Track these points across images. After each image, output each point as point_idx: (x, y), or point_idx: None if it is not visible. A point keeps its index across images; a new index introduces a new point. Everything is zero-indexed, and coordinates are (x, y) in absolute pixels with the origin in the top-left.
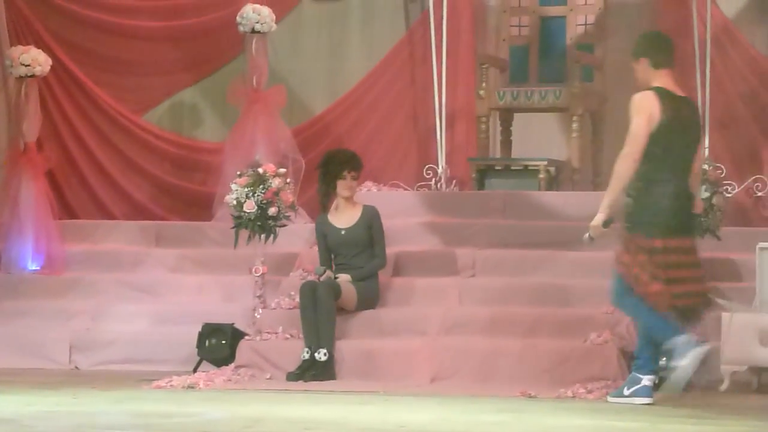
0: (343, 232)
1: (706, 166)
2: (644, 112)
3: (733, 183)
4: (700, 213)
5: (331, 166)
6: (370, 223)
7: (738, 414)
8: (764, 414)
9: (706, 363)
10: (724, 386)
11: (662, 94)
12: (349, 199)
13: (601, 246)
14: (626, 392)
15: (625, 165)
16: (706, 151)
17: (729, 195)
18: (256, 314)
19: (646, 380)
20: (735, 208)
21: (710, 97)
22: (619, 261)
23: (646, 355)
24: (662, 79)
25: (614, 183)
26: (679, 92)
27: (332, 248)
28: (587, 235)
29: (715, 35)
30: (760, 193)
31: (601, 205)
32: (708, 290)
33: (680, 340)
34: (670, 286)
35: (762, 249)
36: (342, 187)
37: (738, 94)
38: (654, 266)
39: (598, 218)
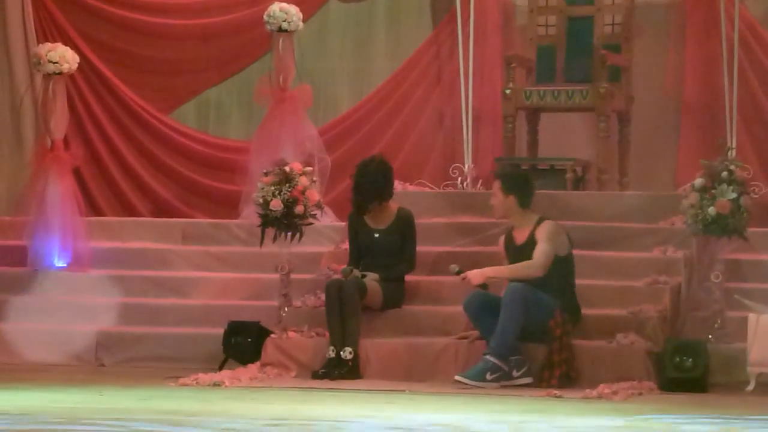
0: (376, 235)
1: (733, 167)
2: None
3: (760, 184)
4: (727, 213)
5: (358, 199)
6: (404, 227)
7: (764, 415)
8: None
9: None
10: (750, 387)
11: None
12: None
13: (629, 247)
14: (515, 374)
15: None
16: (733, 152)
17: (756, 196)
18: (281, 312)
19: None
20: (762, 209)
21: (738, 97)
22: None
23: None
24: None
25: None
26: None
27: (362, 248)
28: (457, 269)
29: (742, 35)
30: None
31: (492, 269)
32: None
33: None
34: None
35: None
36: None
37: (766, 94)
38: None
39: (481, 275)
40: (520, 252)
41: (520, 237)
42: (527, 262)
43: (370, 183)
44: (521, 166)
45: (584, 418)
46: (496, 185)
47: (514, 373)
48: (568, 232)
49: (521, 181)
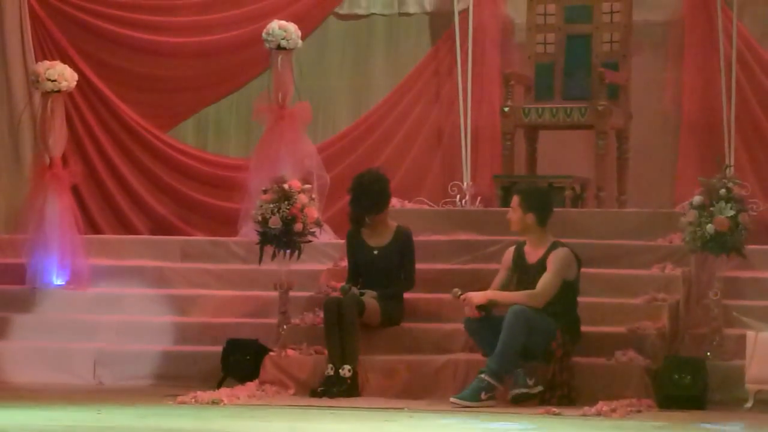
0: (375, 252)
1: (731, 184)
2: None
3: (758, 201)
4: (725, 230)
5: (356, 211)
6: (403, 245)
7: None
8: None
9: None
10: (748, 404)
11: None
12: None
13: (628, 265)
14: (530, 382)
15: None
16: (731, 170)
17: (754, 213)
18: (280, 330)
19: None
20: (760, 226)
21: (736, 115)
22: None
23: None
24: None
25: (520, 300)
26: None
27: (361, 265)
28: (459, 293)
29: (740, 53)
30: None
31: (493, 293)
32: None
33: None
34: None
35: None
36: (369, 221)
37: (764, 111)
38: None
39: (482, 297)
40: (528, 272)
41: (532, 256)
42: (530, 292)
43: (366, 192)
44: (536, 182)
45: None
46: (516, 201)
47: (529, 382)
48: (579, 256)
49: (543, 199)
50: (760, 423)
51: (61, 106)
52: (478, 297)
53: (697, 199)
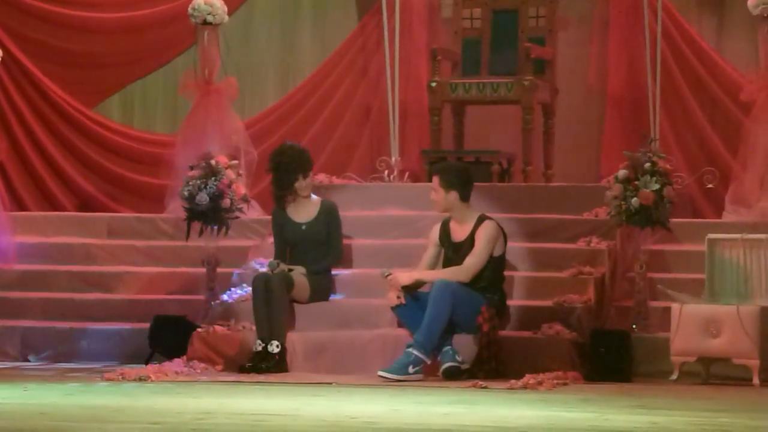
0: (303, 227)
1: (656, 158)
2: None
3: (683, 174)
4: (650, 204)
5: (281, 174)
6: (329, 219)
7: (687, 404)
8: (713, 404)
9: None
10: (673, 376)
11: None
12: (307, 195)
13: (554, 238)
14: (459, 359)
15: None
16: (656, 143)
17: (679, 187)
18: (208, 306)
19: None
20: (685, 200)
21: (661, 89)
22: None
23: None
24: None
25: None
26: None
27: (289, 242)
28: (387, 273)
29: (665, 27)
30: (710, 185)
31: (419, 273)
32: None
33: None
34: None
35: (711, 240)
36: (297, 190)
37: (688, 85)
38: None
39: (408, 277)
40: (457, 249)
41: (459, 233)
42: (456, 268)
43: (282, 163)
44: (461, 159)
45: (509, 409)
46: (436, 181)
47: (458, 358)
48: (504, 230)
49: (462, 176)
50: (685, 394)
51: None
52: (404, 278)
53: (622, 173)
